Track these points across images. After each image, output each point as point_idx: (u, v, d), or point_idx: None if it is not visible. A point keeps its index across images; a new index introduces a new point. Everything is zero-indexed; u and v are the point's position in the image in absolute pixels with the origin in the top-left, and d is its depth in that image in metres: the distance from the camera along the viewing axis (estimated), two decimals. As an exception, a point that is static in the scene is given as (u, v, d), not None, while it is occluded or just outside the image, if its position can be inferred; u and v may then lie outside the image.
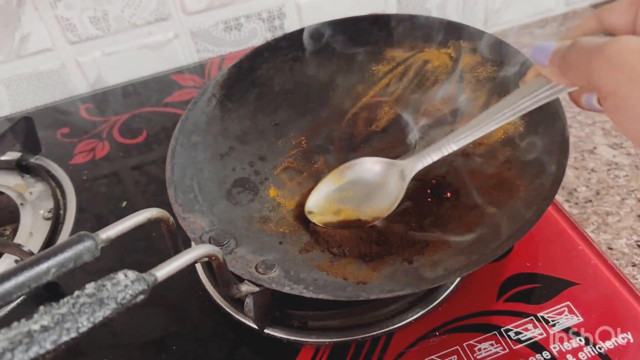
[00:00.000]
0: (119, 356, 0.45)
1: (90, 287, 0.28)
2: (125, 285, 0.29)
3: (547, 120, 0.45)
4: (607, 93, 0.28)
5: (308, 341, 0.42)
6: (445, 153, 0.43)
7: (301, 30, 0.56)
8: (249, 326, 0.44)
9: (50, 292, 0.48)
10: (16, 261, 0.51)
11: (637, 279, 0.49)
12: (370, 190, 0.47)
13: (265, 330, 0.43)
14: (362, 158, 0.48)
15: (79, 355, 0.46)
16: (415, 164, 0.45)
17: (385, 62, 0.56)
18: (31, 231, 0.56)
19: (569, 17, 0.85)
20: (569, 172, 0.60)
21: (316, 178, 0.51)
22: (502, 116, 0.39)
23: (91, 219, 0.57)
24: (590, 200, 0.57)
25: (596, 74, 0.28)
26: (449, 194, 0.47)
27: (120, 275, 0.29)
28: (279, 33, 0.78)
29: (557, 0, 0.85)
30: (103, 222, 0.57)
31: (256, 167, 0.52)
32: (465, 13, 0.82)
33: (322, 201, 0.48)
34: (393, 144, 0.53)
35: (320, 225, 0.47)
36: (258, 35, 0.79)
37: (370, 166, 0.47)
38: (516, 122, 0.48)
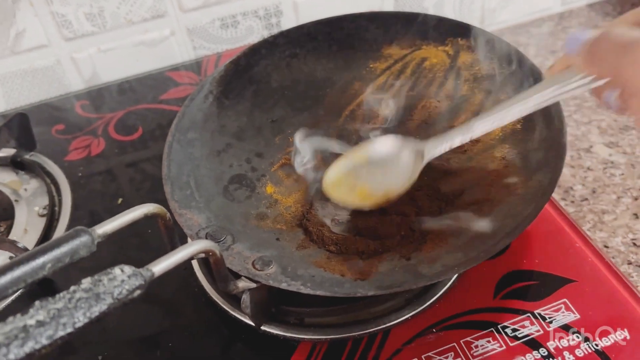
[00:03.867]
0: (114, 353, 0.45)
1: (86, 282, 0.28)
2: (122, 280, 0.29)
3: (544, 118, 0.46)
4: (636, 90, 0.27)
5: (305, 338, 0.42)
6: (467, 139, 0.41)
7: (298, 27, 0.56)
8: (246, 323, 0.44)
9: (45, 290, 0.48)
10: (10, 258, 0.51)
11: (633, 277, 0.49)
12: (386, 168, 0.45)
13: (262, 327, 0.43)
14: (383, 136, 0.47)
15: (72, 352, 0.45)
16: (436, 146, 0.43)
17: (383, 59, 0.56)
18: (26, 228, 0.55)
19: (565, 16, 0.86)
20: (565, 171, 0.60)
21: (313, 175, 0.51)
22: (526, 105, 0.38)
23: (86, 216, 0.57)
24: (587, 199, 0.57)
25: (627, 70, 0.27)
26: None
27: (116, 270, 0.29)
28: (275, 31, 0.78)
29: (553, -1, 0.85)
30: (98, 219, 0.56)
31: (253, 164, 0.52)
32: (462, 11, 0.82)
33: (340, 175, 0.46)
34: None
35: (335, 199, 0.45)
36: (255, 33, 0.79)
37: (388, 144, 0.45)
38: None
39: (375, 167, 0.45)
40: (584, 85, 0.34)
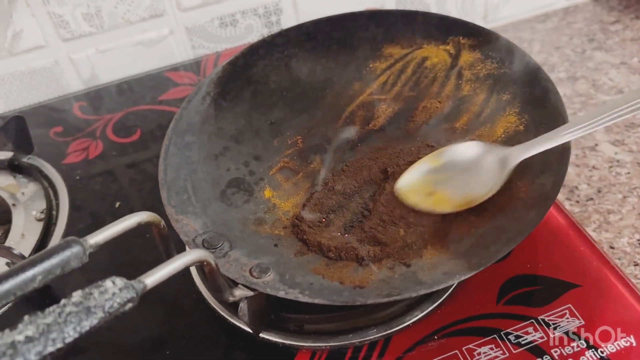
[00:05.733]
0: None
1: (77, 296, 0.28)
2: (113, 294, 0.28)
3: (547, 119, 0.45)
4: None
5: (304, 345, 0.42)
6: (555, 144, 0.40)
7: (298, 27, 0.55)
8: (244, 330, 0.43)
9: (40, 294, 0.47)
10: (7, 264, 0.50)
11: (639, 279, 0.48)
12: (467, 175, 0.45)
13: (261, 335, 0.42)
14: (463, 142, 0.47)
15: (68, 358, 0.45)
16: (521, 153, 0.42)
17: (383, 59, 0.55)
18: (23, 232, 0.55)
19: (569, 11, 0.84)
20: (570, 170, 0.59)
21: (312, 178, 0.50)
22: (620, 112, 0.37)
23: (84, 219, 0.57)
24: (592, 199, 0.56)
25: None
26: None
27: (108, 283, 0.28)
28: (275, 29, 0.77)
29: (557, -6, 0.84)
30: (97, 223, 0.57)
31: (251, 167, 0.51)
32: (465, 8, 0.81)
33: (416, 181, 0.46)
34: (391, 142, 0.52)
35: (410, 204, 0.45)
36: (254, 32, 0.78)
37: (470, 150, 0.45)
38: (516, 121, 0.47)
39: (455, 173, 0.45)
40: None
